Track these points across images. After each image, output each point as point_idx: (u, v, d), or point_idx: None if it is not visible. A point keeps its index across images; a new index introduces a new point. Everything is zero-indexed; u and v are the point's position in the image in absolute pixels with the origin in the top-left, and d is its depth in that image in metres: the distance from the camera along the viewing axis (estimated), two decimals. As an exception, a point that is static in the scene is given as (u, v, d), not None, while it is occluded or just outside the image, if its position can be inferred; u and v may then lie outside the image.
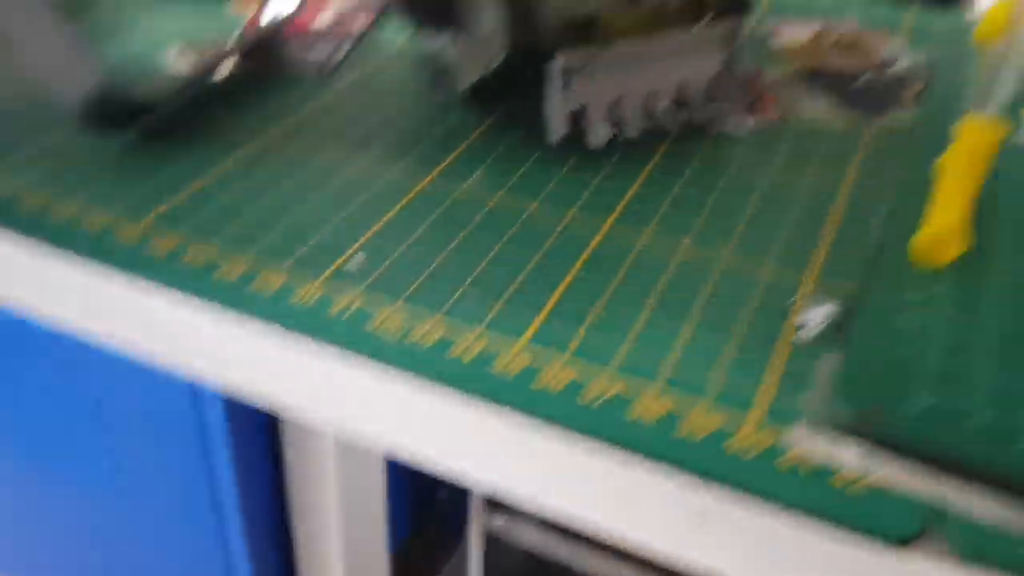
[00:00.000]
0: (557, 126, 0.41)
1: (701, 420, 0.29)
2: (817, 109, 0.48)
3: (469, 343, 0.32)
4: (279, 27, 0.53)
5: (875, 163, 0.43)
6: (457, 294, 0.34)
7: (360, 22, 0.55)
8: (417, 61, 0.52)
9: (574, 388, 0.30)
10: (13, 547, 0.65)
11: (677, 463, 0.28)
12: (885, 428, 0.28)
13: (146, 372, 0.42)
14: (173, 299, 0.34)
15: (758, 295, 0.34)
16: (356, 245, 0.37)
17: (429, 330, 0.32)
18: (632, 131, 0.42)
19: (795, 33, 0.55)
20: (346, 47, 0.53)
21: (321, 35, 0.54)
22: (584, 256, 0.36)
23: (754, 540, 0.28)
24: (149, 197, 0.39)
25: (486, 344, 0.32)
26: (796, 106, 0.48)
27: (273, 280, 0.35)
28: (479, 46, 0.44)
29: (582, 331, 0.32)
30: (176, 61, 0.51)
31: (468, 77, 0.46)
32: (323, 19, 0.56)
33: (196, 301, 0.34)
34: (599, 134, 0.41)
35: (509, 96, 0.47)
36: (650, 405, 0.30)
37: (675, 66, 0.43)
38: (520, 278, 0.35)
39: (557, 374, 0.31)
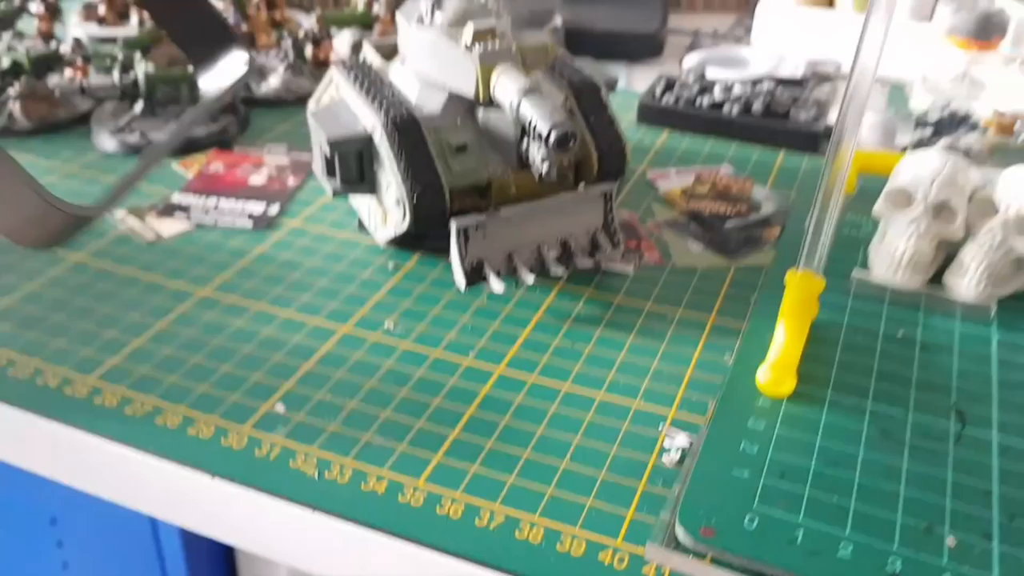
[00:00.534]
0: (459, 278, 0.48)
1: (579, 537, 0.34)
2: (690, 251, 0.55)
3: (374, 482, 0.37)
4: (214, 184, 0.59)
5: (735, 301, 0.49)
6: (364, 440, 0.40)
7: (292, 180, 0.62)
8: (347, 211, 0.58)
9: (471, 515, 0.35)
10: None
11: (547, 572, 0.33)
12: (722, 543, 0.33)
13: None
14: (120, 447, 0.39)
15: (627, 428, 0.40)
16: (278, 395, 0.42)
17: (342, 469, 0.38)
18: (526, 279, 0.49)
19: (676, 180, 0.63)
20: (281, 201, 0.59)
21: (257, 191, 0.60)
22: (477, 400, 0.42)
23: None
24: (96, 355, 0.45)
25: (390, 483, 0.37)
26: (673, 248, 0.55)
27: (206, 428, 0.40)
28: (391, 209, 0.50)
29: (472, 468, 0.38)
30: (122, 221, 0.57)
31: (383, 235, 0.52)
32: (259, 177, 0.62)
33: (141, 450, 0.39)
34: (494, 285, 0.47)
35: (425, 244, 0.54)
36: (532, 529, 0.35)
37: (561, 221, 0.50)
38: (419, 424, 0.40)
39: (451, 507, 0.36)
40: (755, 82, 0.72)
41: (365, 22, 0.84)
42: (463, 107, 0.49)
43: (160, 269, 0.52)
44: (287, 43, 0.77)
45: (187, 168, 0.63)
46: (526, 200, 0.49)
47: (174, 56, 0.71)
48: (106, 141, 0.65)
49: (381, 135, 0.48)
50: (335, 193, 0.51)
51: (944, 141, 0.65)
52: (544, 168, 0.46)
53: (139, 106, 0.68)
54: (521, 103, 0.43)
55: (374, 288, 0.51)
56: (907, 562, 0.33)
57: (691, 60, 0.80)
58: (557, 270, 0.49)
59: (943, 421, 0.40)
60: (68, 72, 0.73)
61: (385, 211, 0.51)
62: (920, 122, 0.67)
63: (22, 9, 0.82)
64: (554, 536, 0.35)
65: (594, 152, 0.51)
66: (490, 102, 0.47)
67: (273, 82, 0.75)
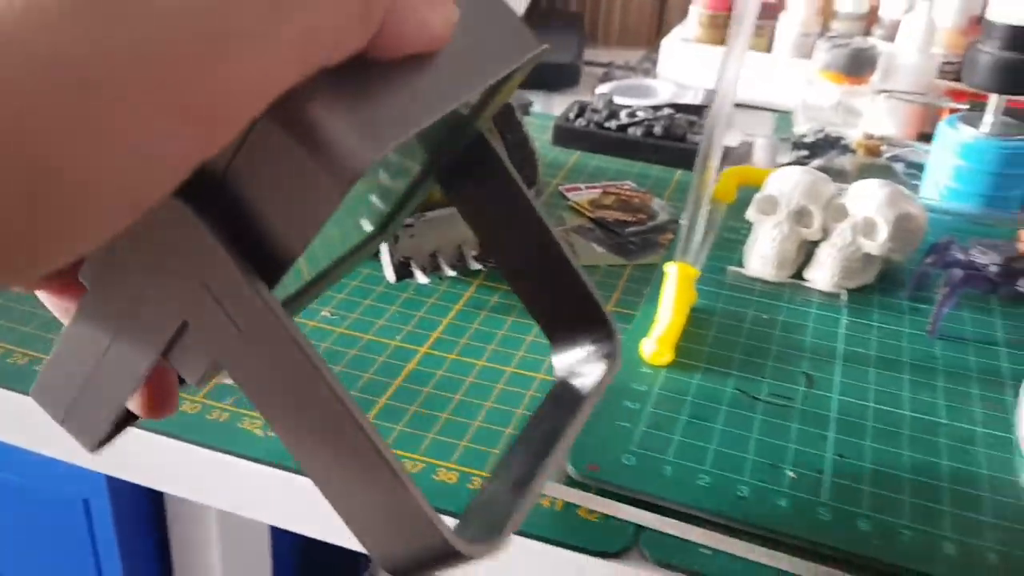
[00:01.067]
0: (388, 272, 0.54)
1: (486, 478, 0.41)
2: (595, 252, 0.62)
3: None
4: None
5: (630, 293, 0.57)
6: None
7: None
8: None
9: (391, 464, 0.42)
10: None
11: (455, 505, 0.40)
12: (604, 476, 0.40)
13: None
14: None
15: (532, 394, 0.47)
16: (230, 368, 0.48)
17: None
18: (448, 274, 0.55)
19: (585, 193, 0.70)
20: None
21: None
22: (403, 374, 0.49)
23: (514, 559, 0.39)
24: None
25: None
26: (579, 250, 0.62)
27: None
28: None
29: (398, 428, 0.44)
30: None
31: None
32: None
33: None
34: (420, 278, 0.54)
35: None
36: (448, 473, 0.41)
37: (479, 224, 0.57)
38: (353, 392, 0.47)
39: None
40: (657, 108, 0.81)
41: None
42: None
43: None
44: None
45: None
46: (450, 205, 0.56)
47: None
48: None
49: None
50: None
51: (817, 161, 0.74)
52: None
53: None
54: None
55: (313, 283, 0.57)
56: (753, 489, 0.40)
57: (603, 89, 0.88)
58: (476, 266, 0.56)
59: (794, 385, 0.48)
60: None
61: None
62: (797, 144, 0.76)
63: None
64: (466, 478, 0.41)
65: (508, 164, 0.58)
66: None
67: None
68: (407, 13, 0.19)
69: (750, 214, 0.58)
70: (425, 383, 0.48)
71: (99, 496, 0.59)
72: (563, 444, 0.26)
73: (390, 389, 0.47)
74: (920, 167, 0.73)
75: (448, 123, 0.24)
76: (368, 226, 0.30)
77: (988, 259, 0.53)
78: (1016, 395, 0.46)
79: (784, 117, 0.89)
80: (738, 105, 0.91)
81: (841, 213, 0.57)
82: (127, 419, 0.25)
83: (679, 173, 0.75)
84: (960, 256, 0.54)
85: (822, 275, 0.56)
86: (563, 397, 0.29)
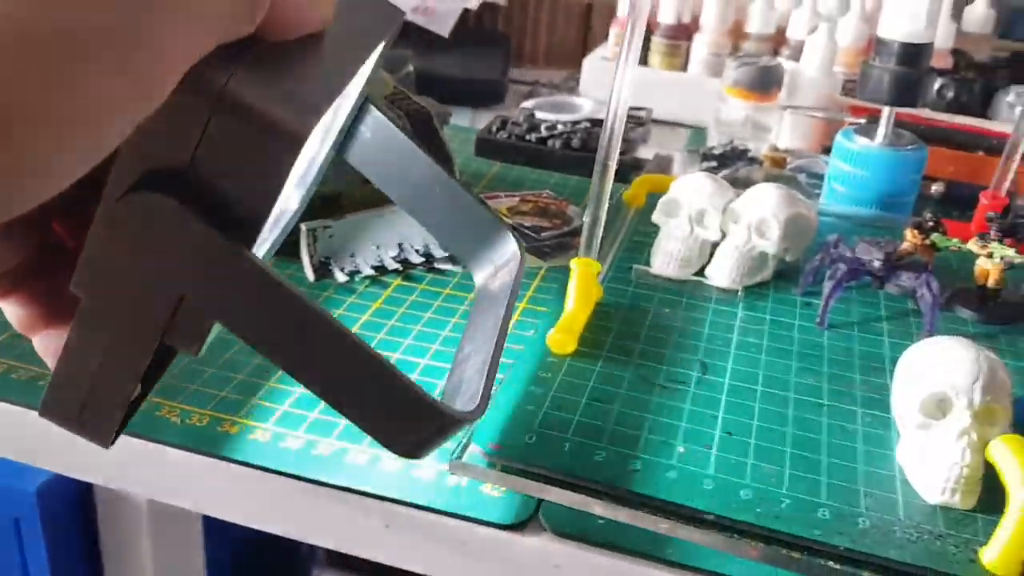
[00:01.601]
0: (308, 272, 0.56)
1: (395, 459, 0.43)
2: (511, 255, 0.65)
3: (229, 424, 0.45)
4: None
5: (544, 292, 0.60)
6: (224, 392, 0.47)
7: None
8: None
9: (277, 439, 0.44)
10: None
11: (370, 486, 0.42)
12: (506, 453, 0.43)
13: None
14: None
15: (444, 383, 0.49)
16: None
17: (201, 417, 0.45)
18: (367, 273, 0.57)
19: (505, 201, 0.73)
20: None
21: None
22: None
23: (425, 535, 0.42)
24: (-20, 334, 0.51)
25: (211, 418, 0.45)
26: (496, 253, 0.65)
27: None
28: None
29: (311, 415, 0.46)
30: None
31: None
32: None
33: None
34: (338, 276, 0.56)
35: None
36: (329, 445, 0.43)
37: (398, 227, 0.59)
38: (269, 384, 0.49)
39: (260, 434, 0.44)
40: (576, 123, 0.84)
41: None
42: (313, 129, 0.58)
43: None
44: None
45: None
46: (370, 208, 0.58)
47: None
48: None
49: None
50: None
51: (725, 172, 0.78)
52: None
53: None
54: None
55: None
56: (646, 463, 0.43)
57: (527, 104, 0.92)
58: (394, 266, 0.58)
59: (689, 371, 0.51)
60: None
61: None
62: (706, 156, 0.80)
63: None
64: (376, 459, 0.43)
65: (426, 169, 0.61)
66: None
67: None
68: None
69: (655, 216, 0.61)
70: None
71: (29, 515, 0.60)
72: (503, 331, 0.32)
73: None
74: (821, 177, 0.78)
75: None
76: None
77: (871, 256, 0.57)
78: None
79: (699, 132, 0.93)
80: (656, 121, 0.95)
81: (737, 215, 0.60)
82: (133, 405, 0.27)
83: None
84: (847, 253, 0.58)
85: (721, 273, 0.60)
86: (489, 298, 0.35)
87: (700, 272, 0.61)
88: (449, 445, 0.44)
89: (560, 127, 0.83)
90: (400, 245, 0.60)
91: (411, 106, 0.63)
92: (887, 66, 0.69)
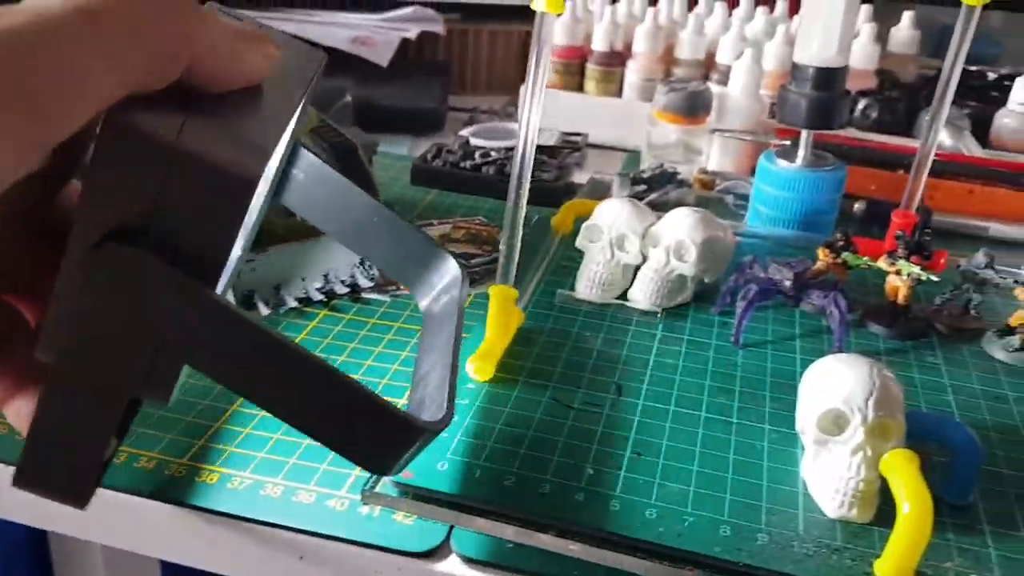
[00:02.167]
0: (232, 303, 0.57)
1: (311, 491, 0.44)
2: (440, 283, 0.66)
3: (177, 467, 0.45)
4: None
5: (469, 318, 0.61)
6: (174, 432, 0.48)
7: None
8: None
9: (224, 480, 0.44)
10: None
11: (284, 518, 0.42)
12: (417, 481, 0.43)
13: None
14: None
15: (363, 412, 0.50)
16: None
17: (148, 459, 0.46)
18: (291, 305, 0.58)
19: (437, 228, 0.74)
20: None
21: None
22: (240, 400, 0.51)
23: (336, 566, 0.42)
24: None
25: (158, 461, 0.45)
26: (425, 281, 0.66)
27: None
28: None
29: (260, 455, 0.47)
30: None
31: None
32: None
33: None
34: (261, 309, 0.57)
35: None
36: (275, 488, 0.44)
37: (323, 259, 0.60)
38: (188, 417, 0.49)
39: (207, 476, 0.45)
40: (508, 149, 0.85)
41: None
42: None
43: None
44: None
45: None
46: (292, 241, 0.59)
47: None
48: None
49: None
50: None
51: (654, 195, 0.80)
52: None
53: None
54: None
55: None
56: (555, 486, 0.44)
57: (463, 133, 0.93)
58: (319, 297, 0.59)
59: (605, 394, 0.52)
60: None
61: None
62: (635, 180, 0.82)
63: None
64: (291, 491, 0.44)
65: (351, 201, 0.62)
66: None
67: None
68: (223, 55, 0.24)
69: (579, 242, 0.63)
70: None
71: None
72: (456, 347, 0.34)
73: (225, 414, 0.50)
74: (748, 198, 0.80)
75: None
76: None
77: (782, 275, 0.58)
78: (802, 395, 0.52)
79: (634, 156, 0.95)
80: (592, 146, 0.97)
81: (657, 239, 0.62)
82: (105, 465, 0.28)
83: (528, 208, 0.80)
84: (760, 274, 0.59)
85: (642, 295, 0.61)
86: (435, 319, 0.37)
87: (623, 296, 0.62)
88: (362, 475, 0.45)
89: (494, 154, 0.84)
90: (325, 276, 0.60)
91: (336, 139, 0.64)
92: (803, 91, 0.71)
